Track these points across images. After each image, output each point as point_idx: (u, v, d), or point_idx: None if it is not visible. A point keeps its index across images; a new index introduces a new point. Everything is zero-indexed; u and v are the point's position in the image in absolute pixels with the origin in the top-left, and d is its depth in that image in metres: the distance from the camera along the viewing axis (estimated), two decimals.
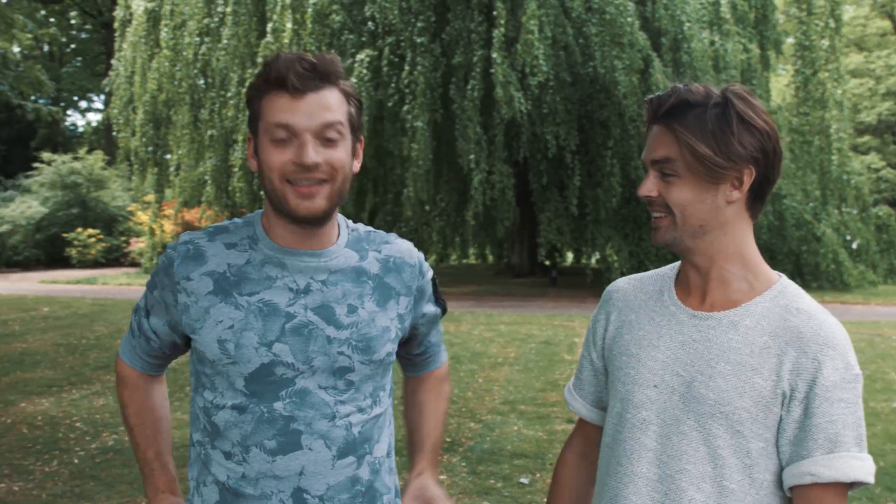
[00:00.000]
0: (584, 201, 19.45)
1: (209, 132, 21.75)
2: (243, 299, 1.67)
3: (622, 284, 1.93)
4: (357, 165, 1.74)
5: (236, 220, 1.80)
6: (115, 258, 28.46)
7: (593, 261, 22.91)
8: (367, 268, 1.77)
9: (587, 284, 20.80)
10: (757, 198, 1.69)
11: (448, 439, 6.75)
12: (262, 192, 20.64)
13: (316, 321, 1.67)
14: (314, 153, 1.61)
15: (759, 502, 1.64)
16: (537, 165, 19.50)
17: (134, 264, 27.61)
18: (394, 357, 1.81)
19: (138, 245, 27.34)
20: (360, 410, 1.71)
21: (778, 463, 1.64)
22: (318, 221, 1.68)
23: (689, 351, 1.69)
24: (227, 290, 1.67)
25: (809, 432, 1.59)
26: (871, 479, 1.58)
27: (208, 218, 24.59)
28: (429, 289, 1.90)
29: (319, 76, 1.63)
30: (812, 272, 20.74)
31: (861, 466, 1.58)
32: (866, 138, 42.45)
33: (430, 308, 1.94)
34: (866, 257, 22.33)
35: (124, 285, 21.89)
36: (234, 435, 1.66)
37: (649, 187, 1.69)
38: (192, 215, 26.41)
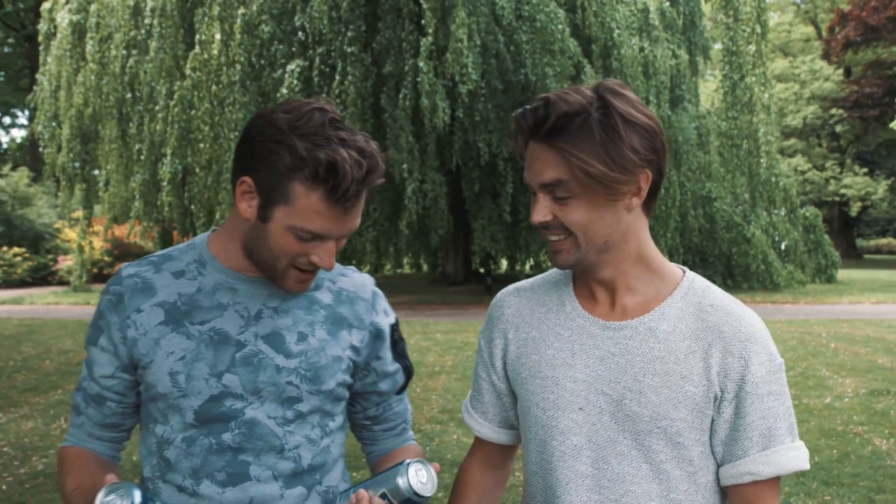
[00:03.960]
0: (518, 208, 19.51)
1: (137, 146, 21.38)
2: (195, 328, 1.62)
3: (511, 298, 1.77)
4: None
5: (179, 245, 1.73)
6: (42, 277, 27.76)
7: (527, 267, 22.95)
8: (320, 297, 1.72)
9: None
10: (652, 196, 1.59)
11: None
12: (192, 207, 20.36)
13: (266, 350, 1.63)
14: (332, 257, 1.61)
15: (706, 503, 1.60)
16: (470, 173, 19.55)
17: (62, 283, 26.95)
18: (346, 391, 1.75)
19: (66, 263, 26.74)
20: (310, 441, 1.67)
21: (716, 462, 1.59)
22: None
23: (610, 366, 1.58)
24: (179, 320, 1.63)
25: (744, 431, 1.54)
26: (807, 465, 1.56)
27: (137, 233, 24.17)
28: (386, 332, 1.79)
29: (368, 184, 1.56)
30: (743, 273, 21.19)
31: (797, 456, 1.55)
32: (792, 141, 43.43)
33: (389, 358, 1.82)
34: (794, 257, 22.85)
35: (52, 304, 21.30)
36: (184, 467, 1.61)
37: (543, 212, 1.54)
38: (121, 231, 25.93)
